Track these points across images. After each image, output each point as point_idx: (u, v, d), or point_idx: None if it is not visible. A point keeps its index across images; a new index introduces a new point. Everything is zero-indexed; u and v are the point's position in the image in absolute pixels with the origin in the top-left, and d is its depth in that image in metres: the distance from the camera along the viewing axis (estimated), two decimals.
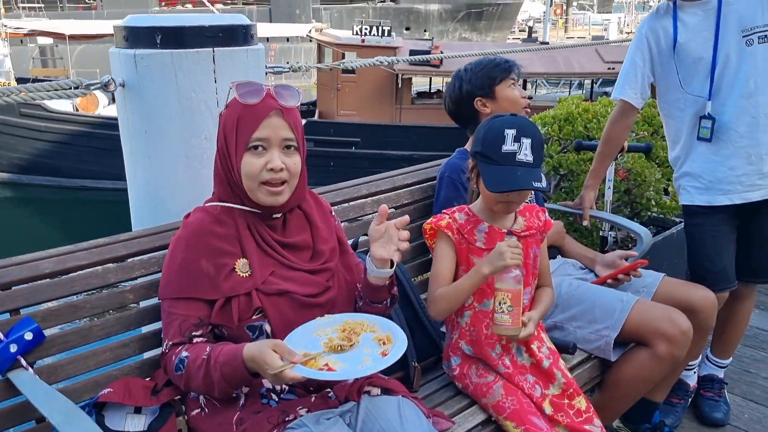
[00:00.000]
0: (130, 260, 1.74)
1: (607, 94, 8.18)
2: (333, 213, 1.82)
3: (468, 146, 2.29)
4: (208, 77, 1.92)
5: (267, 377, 1.42)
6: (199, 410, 1.62)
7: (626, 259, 2.32)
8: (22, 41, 21.81)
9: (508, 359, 1.87)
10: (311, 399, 1.57)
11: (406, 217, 1.60)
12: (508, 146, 1.74)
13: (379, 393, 1.63)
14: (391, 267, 1.61)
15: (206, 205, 1.64)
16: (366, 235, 2.00)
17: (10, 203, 14.78)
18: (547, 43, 20.14)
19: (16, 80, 16.26)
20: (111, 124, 11.96)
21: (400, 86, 15.70)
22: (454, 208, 1.94)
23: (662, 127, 2.65)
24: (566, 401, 1.85)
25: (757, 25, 2.22)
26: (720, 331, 2.65)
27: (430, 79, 17.83)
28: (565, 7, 45.48)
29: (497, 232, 1.86)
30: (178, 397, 1.66)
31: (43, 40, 19.86)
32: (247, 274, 1.57)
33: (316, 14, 29.69)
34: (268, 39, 26.26)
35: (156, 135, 1.93)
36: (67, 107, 14.48)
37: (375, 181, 2.35)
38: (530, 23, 36.56)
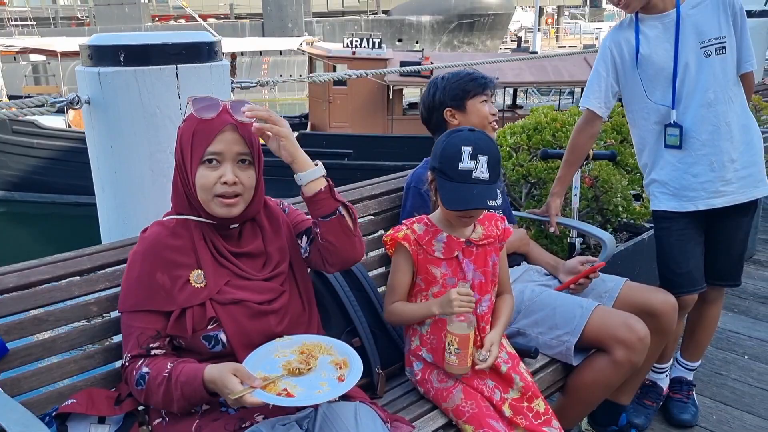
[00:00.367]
0: (94, 273, 1.78)
1: None
2: (282, 205, 1.84)
3: None
4: (171, 93, 1.97)
5: (227, 400, 1.46)
6: (160, 419, 1.65)
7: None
8: (15, 58, 21.90)
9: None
10: (269, 406, 1.60)
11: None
12: (465, 164, 1.79)
13: (336, 399, 1.67)
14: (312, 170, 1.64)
15: (163, 218, 1.68)
16: None
17: (3, 220, 14.79)
18: (536, 53, 20.28)
19: (9, 98, 16.31)
20: None
21: (391, 97, 15.79)
22: (414, 219, 1.98)
23: (629, 134, 2.71)
24: (525, 404, 1.89)
25: (714, 37, 2.28)
26: (689, 334, 2.70)
27: (421, 89, 17.92)
28: (556, 17, 45.78)
29: (455, 241, 1.91)
30: (142, 408, 1.70)
31: (35, 58, 19.94)
32: (201, 285, 1.61)
33: (308, 27, 29.89)
34: (261, 52, 26.46)
35: (121, 150, 1.98)
36: (60, 124, 14.53)
37: (342, 192, 2.39)
38: (521, 33, 36.78)
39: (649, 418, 2.62)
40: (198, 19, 18.70)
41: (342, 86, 15.73)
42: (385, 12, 34.91)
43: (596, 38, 36.79)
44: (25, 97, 2.13)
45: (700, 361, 2.73)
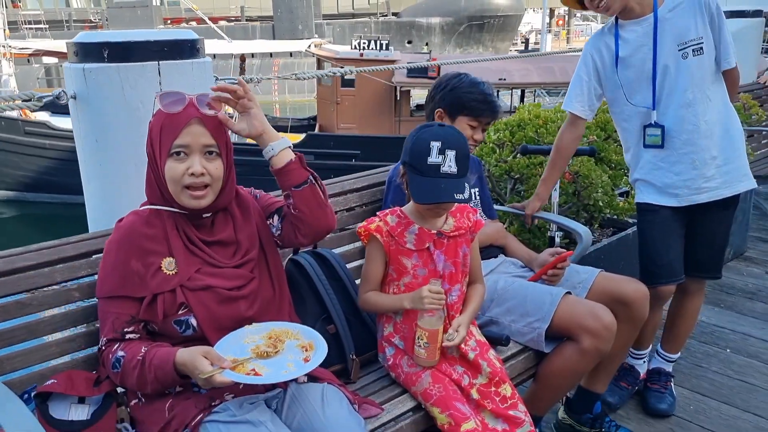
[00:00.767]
0: (76, 261, 1.86)
1: None
2: (252, 192, 1.91)
3: None
4: (154, 89, 2.04)
5: (198, 381, 1.53)
6: (137, 400, 1.72)
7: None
8: (28, 61, 22.17)
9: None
10: (239, 386, 1.67)
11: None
12: (433, 158, 1.85)
13: (305, 380, 1.74)
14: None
15: (138, 209, 1.76)
16: None
17: (16, 221, 14.98)
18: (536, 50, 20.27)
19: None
20: None
21: (398, 98, 15.85)
22: (387, 211, 2.05)
23: (615, 131, 2.78)
24: (492, 389, 1.94)
25: (691, 39, 2.34)
26: (669, 326, 2.75)
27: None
28: (567, 18, 45.65)
29: (427, 233, 1.97)
30: (122, 390, 1.78)
31: (48, 60, 20.19)
32: (173, 272, 1.68)
33: (318, 29, 30.00)
34: (271, 54, 26.62)
35: (106, 144, 2.06)
36: (71, 125, 14.70)
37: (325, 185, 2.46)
38: (531, 35, 36.73)
39: (623, 399, 2.69)
40: (208, 21, 18.86)
41: (350, 88, 15.83)
42: (395, 14, 34.99)
43: None
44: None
45: (679, 353, 2.78)
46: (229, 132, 1.75)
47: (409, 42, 31.62)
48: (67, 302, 1.83)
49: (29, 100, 2.07)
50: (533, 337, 2.17)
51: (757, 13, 5.18)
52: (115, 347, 1.65)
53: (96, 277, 1.84)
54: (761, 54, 5.89)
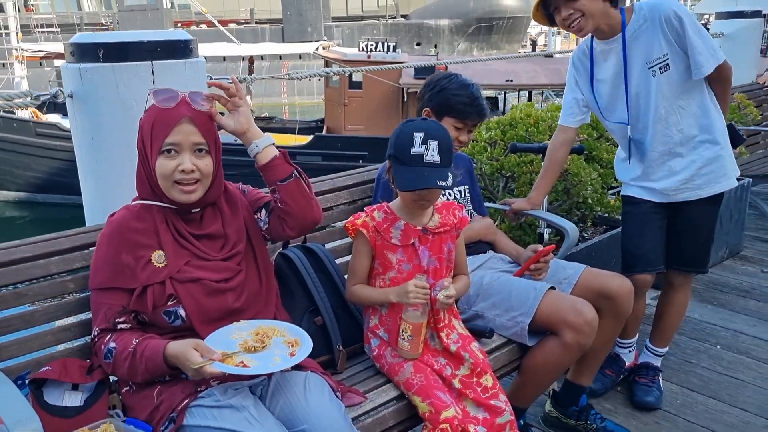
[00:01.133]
0: (71, 254, 1.93)
1: None
2: (240, 187, 1.98)
3: None
4: (147, 88, 2.10)
5: (188, 372, 1.60)
6: (128, 387, 1.79)
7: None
8: (40, 64, 22.41)
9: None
10: (225, 375, 1.73)
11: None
12: (417, 148, 1.91)
13: (290, 369, 1.80)
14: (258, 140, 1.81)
15: (129, 204, 1.83)
16: None
17: (26, 222, 15.14)
18: (551, 56, 20.28)
19: None
20: None
21: (405, 100, 15.91)
22: (374, 207, 2.10)
23: (607, 131, 2.87)
24: (474, 379, 1.99)
25: (656, 57, 2.41)
26: (657, 321, 2.80)
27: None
28: None
29: (412, 229, 2.02)
30: (114, 378, 1.84)
31: (60, 63, 20.37)
32: (162, 265, 1.74)
33: (327, 32, 30.12)
34: (280, 57, 26.79)
35: (101, 141, 2.14)
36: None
37: (315, 183, 2.52)
38: (539, 37, 36.68)
39: (607, 386, 2.75)
40: (217, 24, 19.01)
41: (357, 89, 15.92)
42: (404, 16, 35.04)
43: None
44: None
45: (667, 347, 2.82)
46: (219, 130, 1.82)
47: (418, 44, 31.68)
48: (63, 293, 1.89)
49: (28, 98, 2.14)
50: (516, 331, 2.22)
51: (756, 14, 5.20)
52: (107, 338, 1.72)
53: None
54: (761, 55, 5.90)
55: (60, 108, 15.03)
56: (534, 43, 31.47)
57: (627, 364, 2.81)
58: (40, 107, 15.65)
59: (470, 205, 2.61)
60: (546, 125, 3.23)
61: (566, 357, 2.19)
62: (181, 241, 1.79)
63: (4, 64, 16.91)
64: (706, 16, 17.84)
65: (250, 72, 15.46)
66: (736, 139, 2.62)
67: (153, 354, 1.63)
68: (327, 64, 17.49)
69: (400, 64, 14.55)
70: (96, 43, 2.07)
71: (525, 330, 2.19)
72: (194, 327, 1.75)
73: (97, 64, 2.07)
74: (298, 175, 1.83)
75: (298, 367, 1.81)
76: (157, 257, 1.75)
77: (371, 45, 16.40)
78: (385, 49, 16.35)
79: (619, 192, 3.61)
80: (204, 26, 29.40)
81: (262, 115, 17.81)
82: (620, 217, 3.45)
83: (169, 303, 1.74)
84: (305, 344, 1.73)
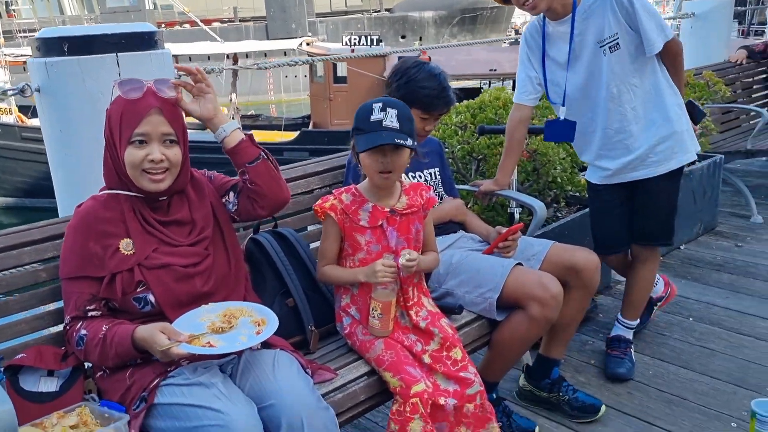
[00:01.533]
0: (43, 244, 1.96)
1: None
2: (206, 174, 2.01)
3: None
4: (113, 79, 2.14)
5: (156, 354, 1.64)
6: (101, 372, 1.83)
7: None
8: (24, 69, 22.29)
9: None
10: (195, 355, 1.78)
11: None
12: (376, 115, 1.96)
13: (259, 347, 1.85)
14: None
15: (96, 194, 1.86)
16: None
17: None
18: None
19: (18, 107, 16.64)
20: None
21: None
22: (343, 189, 2.15)
23: None
24: (444, 353, 2.04)
25: (606, 36, 2.46)
26: (626, 294, 2.87)
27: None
28: None
29: (380, 211, 2.07)
30: (89, 364, 1.88)
31: None
32: (130, 252, 1.78)
33: (312, 28, 30.03)
34: (266, 54, 26.75)
35: (70, 134, 2.17)
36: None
37: (287, 170, 2.57)
38: (524, 27, 36.67)
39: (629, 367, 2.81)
40: (199, 23, 18.95)
41: (342, 84, 15.95)
42: (387, 10, 35.03)
43: None
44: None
45: (638, 320, 2.88)
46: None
47: (403, 37, 31.67)
48: (35, 282, 1.93)
49: None
50: (485, 307, 2.27)
51: None
52: (78, 326, 1.76)
53: None
54: (737, 35, 5.96)
55: None
56: (518, 33, 31.52)
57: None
58: (25, 111, 15.60)
59: (441, 188, 2.66)
60: None
61: (533, 330, 2.24)
62: (148, 229, 1.82)
63: None
64: None
65: (235, 71, 15.41)
66: (695, 114, 2.68)
67: (122, 339, 1.68)
68: None
69: (382, 50, 14.55)
70: (61, 37, 2.10)
71: (493, 305, 2.24)
72: (164, 312, 1.79)
73: (62, 58, 2.10)
74: (265, 156, 1.89)
75: (268, 346, 1.86)
76: (125, 245, 1.79)
77: (355, 39, 16.44)
78: (369, 43, 16.39)
79: None
80: (188, 26, 29.31)
81: (249, 113, 17.80)
82: None
83: (138, 289, 1.77)
84: (271, 322, 1.77)
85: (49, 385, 1.82)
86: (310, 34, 27.16)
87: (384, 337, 2.03)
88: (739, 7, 16.10)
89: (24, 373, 1.81)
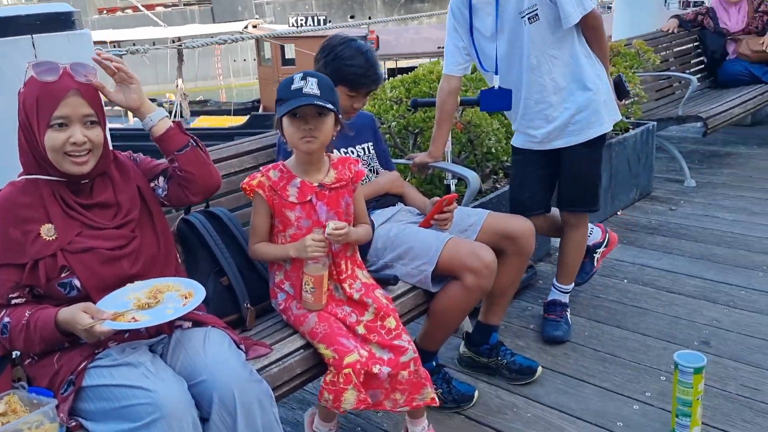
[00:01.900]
0: None
1: None
2: (131, 156, 1.99)
3: None
4: (28, 61, 2.09)
5: (81, 335, 1.63)
6: (30, 359, 1.80)
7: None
8: None
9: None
10: (124, 335, 1.77)
11: None
12: (296, 84, 1.97)
13: (190, 326, 1.85)
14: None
15: (15, 179, 1.82)
16: None
17: None
18: None
19: None
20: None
21: None
22: (270, 166, 2.15)
23: None
24: (378, 323, 2.07)
25: (526, 7, 2.50)
26: (560, 259, 2.94)
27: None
28: None
29: (309, 186, 2.07)
30: (18, 353, 1.85)
31: None
32: (52, 237, 1.74)
33: (259, 10, 29.55)
34: (212, 37, 26.29)
35: None
36: None
37: (219, 149, 2.55)
38: None
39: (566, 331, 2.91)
40: (141, 8, 18.48)
41: (291, 66, 15.77)
42: None
43: None
44: None
45: (572, 284, 2.96)
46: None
47: (352, 17, 31.39)
48: None
49: None
50: (421, 279, 2.31)
51: None
52: (2, 314, 1.72)
53: None
54: (670, 6, 6.10)
55: None
56: None
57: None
58: None
59: (377, 162, 2.68)
60: None
61: (469, 299, 2.29)
62: (70, 213, 1.79)
63: None
64: None
65: (180, 54, 15.10)
66: (620, 91, 2.76)
67: (45, 323, 1.66)
68: (258, 42, 17.25)
69: (329, 29, 14.44)
70: None
71: (428, 278, 2.28)
72: (91, 296, 1.76)
73: None
74: (194, 144, 1.88)
75: (199, 324, 1.86)
76: (47, 230, 1.75)
77: (301, 20, 16.27)
78: (316, 23, 16.23)
79: None
80: (130, 11, 28.51)
81: (197, 99, 17.48)
82: None
83: (63, 275, 1.75)
84: (198, 294, 1.77)
85: None
86: (257, 16, 26.73)
87: (318, 311, 2.05)
88: None
89: None
